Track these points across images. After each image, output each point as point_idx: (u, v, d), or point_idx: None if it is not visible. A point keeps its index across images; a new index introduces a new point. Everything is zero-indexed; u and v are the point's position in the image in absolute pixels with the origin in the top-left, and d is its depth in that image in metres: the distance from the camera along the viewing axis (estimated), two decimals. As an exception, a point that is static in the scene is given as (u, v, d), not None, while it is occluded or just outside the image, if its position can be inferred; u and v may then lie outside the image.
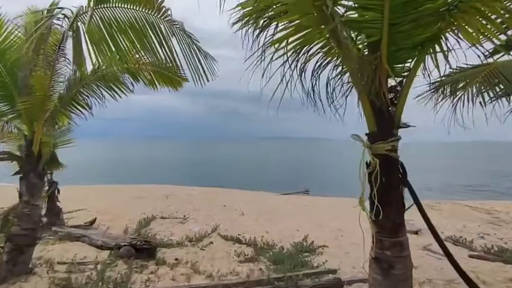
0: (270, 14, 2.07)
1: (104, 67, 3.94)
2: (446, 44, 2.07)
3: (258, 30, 2.17)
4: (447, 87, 3.97)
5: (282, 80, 2.18)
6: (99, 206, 10.31)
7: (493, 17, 1.92)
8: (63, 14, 2.91)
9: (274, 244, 6.06)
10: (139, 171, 31.82)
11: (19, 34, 3.67)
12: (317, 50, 2.28)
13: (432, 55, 2.17)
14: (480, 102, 3.81)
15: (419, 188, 2.78)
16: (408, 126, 2.33)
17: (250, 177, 25.95)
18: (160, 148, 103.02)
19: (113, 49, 2.46)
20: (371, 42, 2.04)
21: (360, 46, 2.29)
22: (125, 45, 2.47)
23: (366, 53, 2.23)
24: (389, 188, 2.25)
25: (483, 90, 3.69)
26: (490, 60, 3.19)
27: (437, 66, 2.23)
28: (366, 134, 2.36)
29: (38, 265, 4.46)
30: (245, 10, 2.13)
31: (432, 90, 3.98)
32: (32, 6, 3.68)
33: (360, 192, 2.33)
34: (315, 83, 2.37)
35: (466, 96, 3.91)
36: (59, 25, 3.03)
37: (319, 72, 2.35)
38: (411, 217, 9.83)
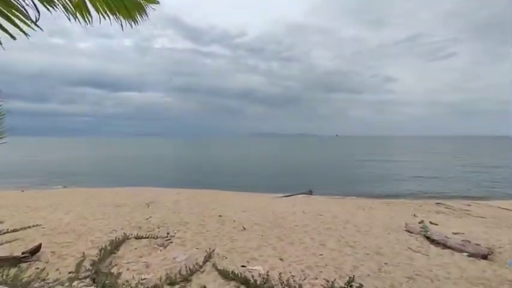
0: None
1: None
2: None
3: None
4: None
5: None
6: (61, 219, 8.10)
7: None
8: None
9: (299, 287, 4.03)
10: (125, 171, 29.35)
11: None
12: None
13: None
14: None
15: None
16: None
17: (245, 176, 23.89)
18: (150, 146, 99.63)
19: None
20: None
21: None
22: None
23: None
24: None
25: None
26: None
27: None
28: None
29: None
30: None
31: None
32: None
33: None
34: None
35: None
36: None
37: None
38: (458, 226, 7.96)
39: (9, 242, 6.24)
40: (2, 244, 6.09)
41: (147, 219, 8.12)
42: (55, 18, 2.12)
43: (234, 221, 8.00)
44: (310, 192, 15.45)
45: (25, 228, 7.19)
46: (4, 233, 6.81)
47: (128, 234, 6.46)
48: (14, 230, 7.00)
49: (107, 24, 2.21)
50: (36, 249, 5.38)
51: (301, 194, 15.05)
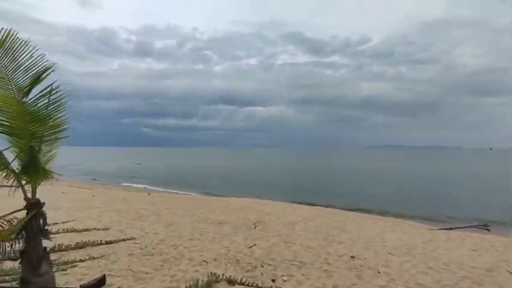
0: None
1: None
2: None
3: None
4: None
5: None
6: (158, 233, 6.99)
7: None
8: None
9: None
10: (245, 180, 29.60)
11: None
12: None
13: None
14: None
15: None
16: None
17: (376, 195, 19.56)
18: (272, 156, 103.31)
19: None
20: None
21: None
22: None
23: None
24: None
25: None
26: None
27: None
28: None
29: None
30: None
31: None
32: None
33: None
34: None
35: None
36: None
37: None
38: None
39: (95, 258, 5.23)
40: (85, 260, 5.11)
41: (250, 247, 6.02)
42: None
43: (379, 272, 4.92)
44: (486, 227, 10.34)
45: (119, 241, 6.27)
46: (97, 245, 6.01)
47: (218, 276, 4.43)
48: (108, 242, 6.15)
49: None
50: (98, 283, 3.95)
51: (470, 227, 10.20)
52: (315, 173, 38.20)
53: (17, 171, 3.75)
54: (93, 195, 12.96)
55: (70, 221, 7.71)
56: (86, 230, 6.96)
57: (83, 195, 13.18)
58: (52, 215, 8.58)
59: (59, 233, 6.61)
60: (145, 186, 22.77)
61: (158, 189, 20.32)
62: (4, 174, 3.71)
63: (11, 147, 3.79)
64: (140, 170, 39.73)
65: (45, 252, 3.81)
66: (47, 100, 3.71)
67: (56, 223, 7.45)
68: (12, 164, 3.76)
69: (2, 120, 3.56)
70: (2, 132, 3.63)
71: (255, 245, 6.20)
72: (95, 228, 7.10)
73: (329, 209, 12.22)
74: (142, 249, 5.82)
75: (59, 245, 5.66)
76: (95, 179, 28.26)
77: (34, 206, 3.74)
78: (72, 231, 6.79)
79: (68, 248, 5.61)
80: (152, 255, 5.48)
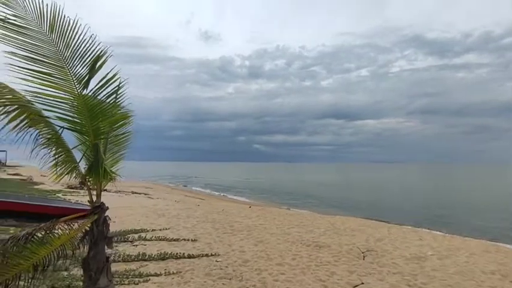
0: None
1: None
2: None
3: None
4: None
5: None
6: (245, 252, 6.11)
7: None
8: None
9: None
10: (357, 198, 26.65)
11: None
12: None
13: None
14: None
15: None
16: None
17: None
18: (389, 173, 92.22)
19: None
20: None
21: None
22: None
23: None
24: None
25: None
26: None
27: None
28: None
29: None
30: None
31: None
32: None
33: None
34: None
35: None
36: None
37: None
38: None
39: (170, 274, 4.69)
40: (160, 275, 4.61)
41: (356, 287, 4.37)
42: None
43: None
44: None
45: (202, 256, 5.66)
46: (179, 258, 5.53)
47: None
48: (190, 256, 5.61)
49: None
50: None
51: None
52: (447, 193, 31.16)
53: (83, 171, 3.48)
54: (198, 205, 13.45)
55: (166, 229, 7.74)
56: (176, 239, 6.72)
57: (191, 204, 13.86)
58: (155, 221, 9.01)
59: (151, 240, 6.59)
60: (247, 199, 23.09)
61: (260, 203, 20.08)
62: (72, 175, 3.48)
63: (79, 145, 3.55)
64: (248, 184, 41.39)
65: (106, 263, 3.33)
66: (107, 91, 3.33)
67: (154, 229, 7.62)
68: (79, 164, 3.50)
69: (73, 117, 3.29)
70: (72, 130, 3.40)
71: (362, 283, 4.50)
72: (184, 239, 6.78)
73: (475, 240, 8.88)
74: (221, 269, 5.00)
75: (143, 253, 5.47)
76: (225, 195, 30.21)
77: (96, 210, 3.32)
78: (162, 239, 6.65)
79: (150, 258, 5.32)
80: (231, 279, 4.55)
